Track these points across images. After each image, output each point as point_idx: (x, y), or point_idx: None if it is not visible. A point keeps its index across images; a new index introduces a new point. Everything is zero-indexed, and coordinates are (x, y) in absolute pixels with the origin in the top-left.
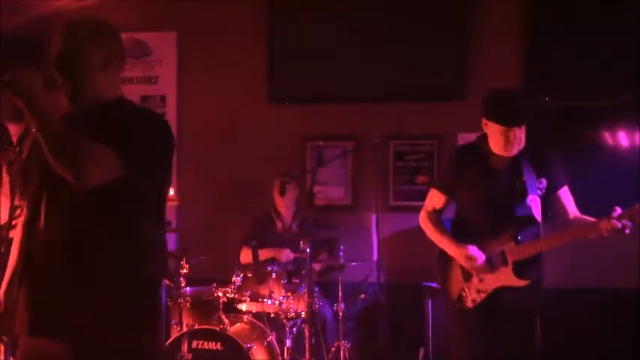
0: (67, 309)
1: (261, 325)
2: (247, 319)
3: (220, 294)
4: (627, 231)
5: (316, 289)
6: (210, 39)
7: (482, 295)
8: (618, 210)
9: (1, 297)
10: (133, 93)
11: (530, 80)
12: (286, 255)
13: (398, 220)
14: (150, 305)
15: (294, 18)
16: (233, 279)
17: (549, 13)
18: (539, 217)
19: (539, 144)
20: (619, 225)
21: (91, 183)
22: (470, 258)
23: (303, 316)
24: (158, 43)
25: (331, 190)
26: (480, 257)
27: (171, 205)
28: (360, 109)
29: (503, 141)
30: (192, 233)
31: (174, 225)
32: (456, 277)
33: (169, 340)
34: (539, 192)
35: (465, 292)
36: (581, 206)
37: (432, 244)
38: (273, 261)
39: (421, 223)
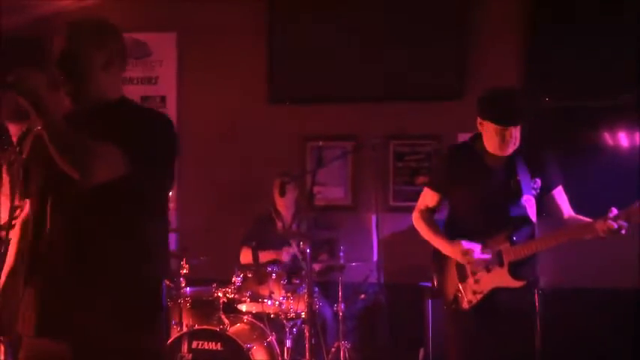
0: (72, 309)
1: (261, 325)
2: (247, 319)
3: (220, 294)
4: (623, 232)
5: (316, 289)
6: (210, 39)
7: (478, 296)
8: (614, 211)
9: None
10: (133, 93)
11: (530, 80)
12: (287, 253)
13: (398, 220)
14: (153, 305)
15: (294, 18)
16: (233, 279)
17: (549, 13)
18: (534, 217)
19: (533, 143)
20: (615, 226)
21: (96, 180)
22: (466, 252)
23: (303, 316)
24: (158, 43)
25: (331, 191)
26: (475, 248)
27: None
28: (360, 110)
29: (498, 140)
30: (192, 233)
31: (174, 225)
32: (452, 277)
33: (169, 341)
34: (533, 192)
35: (461, 293)
36: (581, 206)
37: (431, 245)
38: (273, 262)
39: (414, 223)
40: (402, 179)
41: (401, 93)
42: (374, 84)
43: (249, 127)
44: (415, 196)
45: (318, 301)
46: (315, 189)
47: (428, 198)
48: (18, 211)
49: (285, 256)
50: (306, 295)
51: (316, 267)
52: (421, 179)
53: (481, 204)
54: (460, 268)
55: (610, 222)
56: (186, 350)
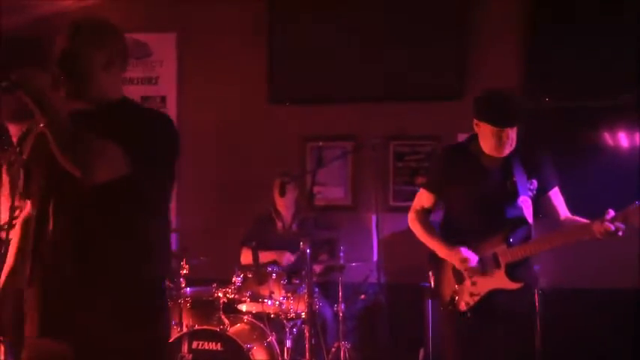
0: (74, 309)
1: (261, 325)
2: (247, 319)
3: (220, 294)
4: (620, 233)
5: (316, 289)
6: (210, 39)
7: (476, 298)
8: (611, 212)
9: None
10: (133, 93)
11: (530, 80)
12: (287, 258)
13: (398, 220)
14: (155, 304)
15: (294, 18)
16: (233, 279)
17: (549, 13)
18: (530, 219)
19: (529, 144)
20: (612, 228)
21: (98, 179)
22: (464, 260)
23: (303, 316)
24: (158, 43)
25: (331, 191)
26: (473, 258)
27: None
28: (360, 110)
29: (495, 142)
30: (192, 233)
31: (174, 225)
32: (449, 279)
33: (169, 341)
34: (530, 193)
35: (458, 295)
36: (581, 206)
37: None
38: (273, 262)
39: (410, 224)
40: (402, 179)
41: (401, 93)
42: (374, 84)
43: (249, 127)
44: (415, 197)
45: (318, 301)
46: (315, 189)
47: (424, 199)
48: (18, 212)
49: (284, 261)
50: (306, 296)
51: (316, 267)
52: (421, 179)
53: (477, 205)
54: (457, 270)
55: (607, 224)
56: (186, 350)
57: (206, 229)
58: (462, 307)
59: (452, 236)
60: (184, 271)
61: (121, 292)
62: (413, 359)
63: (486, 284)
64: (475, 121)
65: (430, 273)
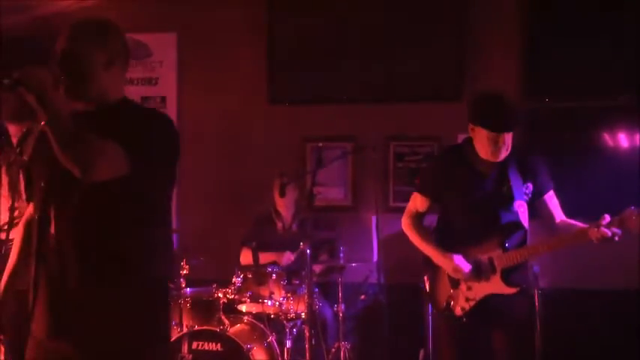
0: (78, 310)
1: (262, 326)
2: (247, 319)
3: (220, 295)
4: (617, 239)
5: (316, 289)
6: (210, 40)
7: (471, 303)
8: (607, 218)
9: (0, 296)
10: (133, 94)
11: (530, 81)
12: (287, 258)
13: (398, 221)
14: (157, 305)
15: (294, 18)
16: (233, 280)
17: (549, 14)
18: (526, 223)
19: (524, 148)
20: (609, 233)
21: (98, 178)
22: (456, 270)
23: (303, 317)
24: (158, 44)
25: (331, 191)
26: (466, 268)
27: None
28: (360, 110)
29: (491, 147)
30: (192, 233)
31: (174, 225)
32: (444, 284)
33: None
34: (525, 197)
35: (454, 299)
36: (580, 207)
37: None
38: (273, 263)
39: (404, 228)
40: (402, 180)
41: (401, 94)
42: (374, 84)
43: (249, 127)
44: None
45: (318, 301)
46: (315, 189)
47: (418, 202)
48: (17, 212)
49: (284, 261)
50: (306, 296)
51: (316, 268)
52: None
53: (472, 209)
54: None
55: (603, 229)
56: (186, 351)
57: (206, 229)
58: (458, 312)
59: (447, 240)
60: (184, 272)
61: (123, 292)
62: None
63: (482, 289)
64: (470, 125)
65: (425, 277)
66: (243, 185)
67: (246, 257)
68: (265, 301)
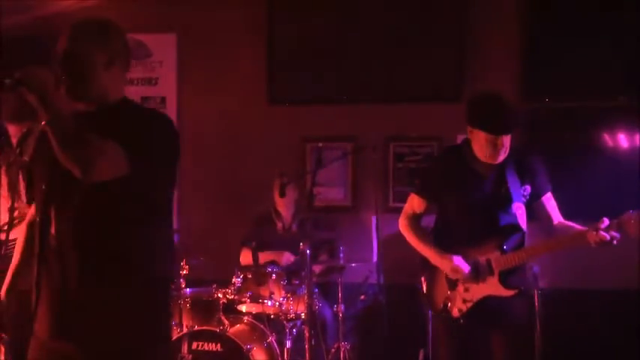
0: (80, 311)
1: (261, 326)
2: (247, 320)
3: (220, 295)
4: (615, 242)
5: (316, 290)
6: (210, 40)
7: (469, 305)
8: (606, 221)
9: (3, 296)
10: (133, 94)
11: (530, 81)
12: (286, 258)
13: (398, 221)
14: (158, 305)
15: (294, 18)
16: (233, 280)
17: (549, 13)
18: (524, 225)
19: (522, 149)
20: (607, 237)
21: (98, 178)
22: (455, 270)
23: (303, 317)
24: (158, 44)
25: (331, 192)
26: (465, 268)
27: None
28: (360, 111)
29: (490, 149)
30: (192, 233)
31: (174, 225)
32: (441, 285)
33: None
34: (523, 199)
35: (451, 301)
36: (580, 207)
37: None
38: (273, 263)
39: (401, 230)
40: (402, 180)
41: (401, 94)
42: (374, 85)
43: (249, 127)
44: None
45: (317, 301)
46: (315, 190)
47: (415, 203)
48: (17, 213)
49: (284, 261)
50: (305, 296)
51: (316, 268)
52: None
53: (470, 211)
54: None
55: (602, 233)
56: (186, 351)
57: (206, 229)
58: (455, 313)
59: (444, 242)
60: (184, 272)
61: (124, 293)
62: None
63: (480, 291)
64: (469, 127)
65: (422, 278)
66: (243, 185)
67: (246, 257)
68: (265, 301)
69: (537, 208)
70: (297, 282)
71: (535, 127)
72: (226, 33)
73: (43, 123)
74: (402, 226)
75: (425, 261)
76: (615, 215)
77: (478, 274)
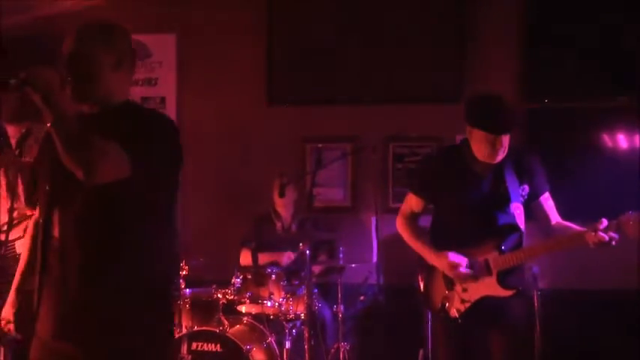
0: (82, 312)
1: (261, 326)
2: (247, 320)
3: (220, 295)
4: (614, 243)
5: (315, 290)
6: (209, 40)
7: (467, 305)
8: (604, 222)
9: (13, 296)
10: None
11: (530, 82)
12: (287, 257)
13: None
14: (160, 307)
15: (294, 18)
16: (233, 280)
17: (549, 15)
18: (522, 225)
19: (520, 149)
20: (606, 238)
21: (100, 180)
22: (453, 266)
23: (303, 317)
24: (158, 44)
25: (331, 192)
26: (462, 262)
27: None
28: (360, 111)
29: (488, 148)
30: (191, 234)
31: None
32: (439, 285)
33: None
34: (521, 199)
35: (449, 301)
36: (579, 207)
37: None
38: (273, 263)
39: (398, 229)
40: (402, 181)
41: (400, 95)
42: (373, 85)
43: (249, 128)
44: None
45: (317, 302)
46: (315, 190)
47: (412, 203)
48: (16, 213)
49: (285, 260)
50: (305, 297)
51: (316, 269)
52: None
53: (468, 211)
54: (447, 276)
55: (600, 234)
56: (185, 351)
57: (206, 229)
58: (453, 313)
59: (441, 241)
60: (184, 272)
61: (126, 294)
62: None
63: (478, 291)
64: (468, 127)
65: (420, 277)
66: (243, 186)
67: (245, 258)
68: (265, 301)
69: (535, 208)
70: (296, 282)
71: (535, 127)
72: (226, 33)
73: (48, 125)
74: (399, 225)
75: (422, 259)
76: (614, 216)
77: (476, 273)
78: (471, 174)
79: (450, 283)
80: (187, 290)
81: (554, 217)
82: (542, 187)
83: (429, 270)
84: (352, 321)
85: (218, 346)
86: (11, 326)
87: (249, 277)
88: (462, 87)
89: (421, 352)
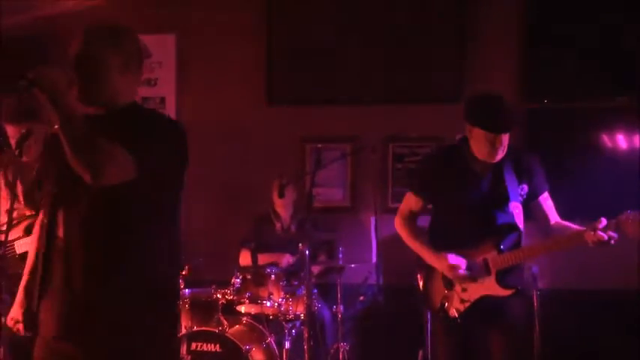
0: (85, 313)
1: (260, 326)
2: (246, 320)
3: (219, 296)
4: (613, 242)
5: (315, 290)
6: (209, 41)
7: (466, 305)
8: (603, 221)
9: (22, 296)
10: None
11: (530, 82)
12: (287, 260)
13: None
14: (163, 307)
15: (294, 18)
16: (232, 281)
17: (549, 15)
18: (521, 225)
19: (520, 149)
20: (605, 237)
21: (107, 182)
22: (452, 267)
23: (302, 318)
24: (157, 45)
25: (330, 192)
26: (462, 263)
27: None
28: (360, 111)
29: (488, 147)
30: (191, 234)
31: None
32: (438, 285)
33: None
34: (520, 198)
35: (448, 301)
36: (579, 207)
37: None
38: (272, 264)
39: (397, 229)
40: (401, 181)
41: (400, 94)
42: (373, 86)
43: (249, 128)
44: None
45: (316, 302)
46: (315, 190)
47: (411, 202)
48: (15, 214)
49: (284, 262)
50: (305, 297)
51: (315, 269)
52: None
53: (467, 210)
54: (447, 277)
55: (600, 233)
56: (185, 352)
57: (205, 229)
58: (453, 313)
59: (440, 241)
60: (183, 272)
61: (129, 294)
62: None
63: (477, 291)
64: (468, 126)
65: (419, 276)
66: (243, 186)
67: (245, 258)
68: (264, 302)
69: (534, 208)
70: (296, 283)
71: (534, 127)
72: (226, 34)
73: (55, 127)
74: (398, 225)
75: (421, 259)
76: (614, 216)
77: (475, 273)
78: (470, 173)
79: (449, 283)
80: (187, 290)
81: (553, 217)
82: (542, 187)
83: (428, 270)
84: (352, 321)
85: (217, 346)
86: (20, 326)
87: (249, 277)
88: (462, 87)
89: (421, 352)
